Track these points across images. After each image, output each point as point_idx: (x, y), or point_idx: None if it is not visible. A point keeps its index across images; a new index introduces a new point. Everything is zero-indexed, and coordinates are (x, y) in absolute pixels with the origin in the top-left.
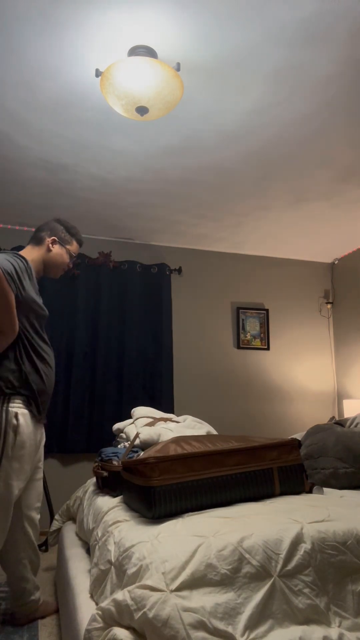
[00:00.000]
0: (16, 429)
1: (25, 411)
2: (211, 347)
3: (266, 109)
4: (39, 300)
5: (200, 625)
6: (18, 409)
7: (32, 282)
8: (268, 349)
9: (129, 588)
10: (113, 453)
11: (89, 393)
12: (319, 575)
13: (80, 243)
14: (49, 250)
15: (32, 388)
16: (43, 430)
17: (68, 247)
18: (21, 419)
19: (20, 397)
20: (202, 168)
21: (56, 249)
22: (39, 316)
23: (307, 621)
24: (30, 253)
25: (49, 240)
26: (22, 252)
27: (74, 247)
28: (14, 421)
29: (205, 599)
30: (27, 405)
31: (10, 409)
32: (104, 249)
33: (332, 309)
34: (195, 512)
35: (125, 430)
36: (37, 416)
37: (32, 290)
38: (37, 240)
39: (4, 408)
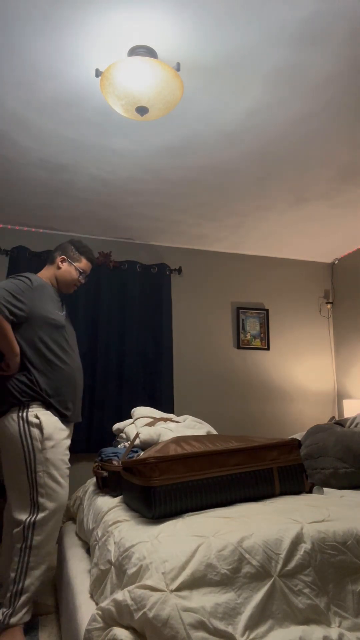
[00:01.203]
0: (39, 425)
1: (46, 411)
2: (211, 347)
3: (266, 109)
4: (54, 313)
5: (200, 625)
6: (37, 410)
7: (45, 298)
8: (268, 349)
9: (129, 588)
10: (113, 453)
11: (89, 393)
12: (319, 575)
13: (90, 261)
14: (58, 267)
15: (44, 393)
16: (69, 432)
17: (77, 264)
18: (42, 417)
19: (37, 402)
20: (202, 168)
21: (64, 267)
22: (53, 326)
23: (307, 621)
24: (46, 272)
25: (59, 259)
26: (40, 272)
27: (82, 264)
28: (35, 420)
29: (205, 599)
30: (46, 407)
31: (29, 412)
32: (104, 249)
33: (332, 309)
34: (195, 512)
35: (125, 430)
36: (60, 416)
37: (44, 306)
38: (51, 259)
39: (22, 414)
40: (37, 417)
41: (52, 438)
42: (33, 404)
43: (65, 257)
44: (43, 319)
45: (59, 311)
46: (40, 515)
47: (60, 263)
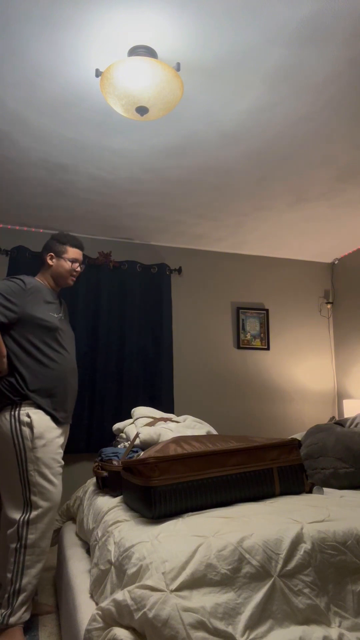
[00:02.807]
0: (30, 424)
1: (37, 410)
2: (211, 347)
3: (266, 109)
4: (46, 315)
5: (200, 625)
6: (29, 409)
7: (39, 300)
8: (268, 349)
9: (129, 588)
10: (113, 453)
11: (89, 393)
12: (319, 575)
13: (76, 247)
14: (49, 266)
15: (35, 392)
16: (61, 431)
17: (64, 255)
18: (34, 416)
19: (29, 401)
20: (202, 168)
21: (55, 263)
22: (45, 328)
23: (307, 621)
24: (42, 274)
25: (47, 257)
26: (36, 276)
27: (69, 253)
28: (27, 419)
29: (205, 599)
30: (37, 407)
31: (21, 411)
32: (104, 249)
33: (332, 309)
34: (195, 512)
35: (125, 430)
36: (52, 415)
37: (36, 308)
38: (41, 262)
39: (14, 413)
40: (28, 416)
41: (42, 437)
42: (25, 403)
43: (52, 254)
44: (34, 321)
45: (54, 313)
46: (34, 513)
47: (49, 261)
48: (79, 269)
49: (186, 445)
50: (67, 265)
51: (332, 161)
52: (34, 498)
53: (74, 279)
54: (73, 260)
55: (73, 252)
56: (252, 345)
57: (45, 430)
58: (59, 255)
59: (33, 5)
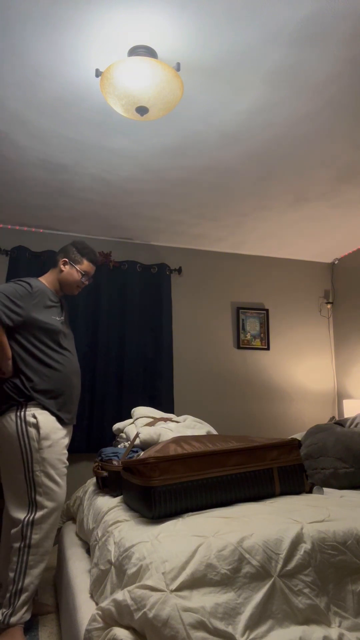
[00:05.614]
0: (36, 425)
1: (43, 411)
2: (211, 347)
3: (266, 109)
4: (50, 319)
5: (200, 625)
6: (35, 410)
7: (43, 303)
8: (268, 349)
9: (129, 588)
10: (113, 453)
11: (89, 393)
12: (319, 575)
13: (92, 262)
14: (60, 271)
15: (41, 394)
16: (66, 432)
17: (78, 266)
18: (39, 417)
19: (34, 402)
20: (202, 168)
21: (67, 269)
22: (48, 331)
23: (307, 621)
24: (50, 275)
25: (61, 261)
26: (43, 276)
27: (84, 265)
28: (32, 419)
29: (205, 599)
30: (43, 408)
31: (27, 411)
32: (104, 249)
33: (332, 309)
34: (195, 512)
35: (125, 430)
36: (57, 416)
37: (40, 312)
38: (53, 263)
39: (20, 414)
40: (34, 416)
41: (48, 438)
42: (31, 404)
43: (67, 259)
44: (38, 325)
45: (56, 316)
46: (39, 513)
47: (62, 266)
48: (86, 282)
49: (186, 445)
50: (78, 276)
51: (332, 161)
52: (39, 498)
53: (79, 290)
54: (84, 274)
55: (88, 266)
56: (252, 345)
57: (51, 431)
58: (73, 263)
59: (33, 5)
